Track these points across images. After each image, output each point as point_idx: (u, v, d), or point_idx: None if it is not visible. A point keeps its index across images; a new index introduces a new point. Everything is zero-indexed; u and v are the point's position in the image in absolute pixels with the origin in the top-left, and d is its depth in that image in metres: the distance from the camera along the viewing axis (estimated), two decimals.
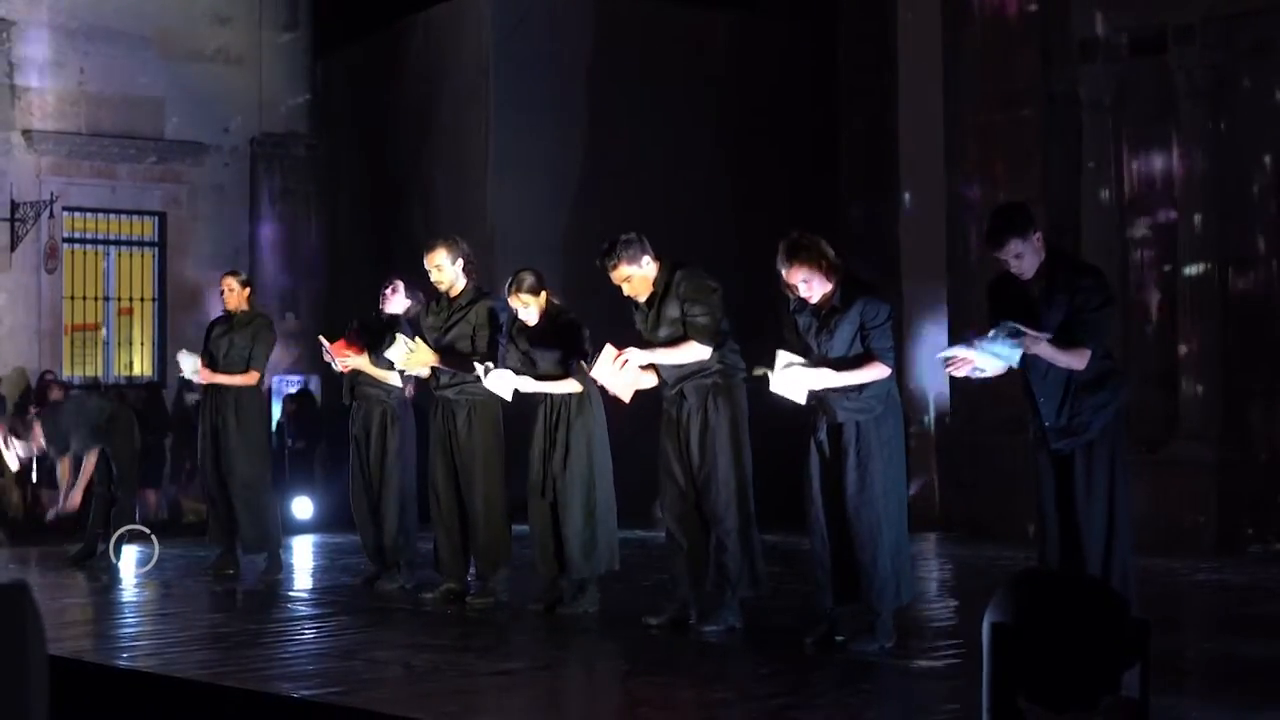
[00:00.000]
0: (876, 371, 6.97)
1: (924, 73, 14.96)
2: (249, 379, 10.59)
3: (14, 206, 16.67)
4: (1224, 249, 12.73)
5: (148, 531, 11.13)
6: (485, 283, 9.55)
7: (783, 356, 7.03)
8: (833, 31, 15.94)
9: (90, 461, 10.88)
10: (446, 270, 9.08)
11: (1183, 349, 12.78)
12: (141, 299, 17.86)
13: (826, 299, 7.04)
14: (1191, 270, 12.75)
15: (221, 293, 10.94)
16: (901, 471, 7.17)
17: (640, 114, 16.79)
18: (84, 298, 17.45)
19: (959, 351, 6.23)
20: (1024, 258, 6.27)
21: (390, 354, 9.09)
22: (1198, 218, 12.74)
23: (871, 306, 7.04)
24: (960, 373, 6.23)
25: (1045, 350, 6.14)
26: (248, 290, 10.94)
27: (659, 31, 17.24)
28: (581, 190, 16.82)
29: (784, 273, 7.04)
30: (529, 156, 16.53)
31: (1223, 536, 12.48)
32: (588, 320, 8.59)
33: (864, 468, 6.96)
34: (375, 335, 9.71)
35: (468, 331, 8.98)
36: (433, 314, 9.22)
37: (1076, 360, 6.19)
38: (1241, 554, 12.16)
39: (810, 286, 7.01)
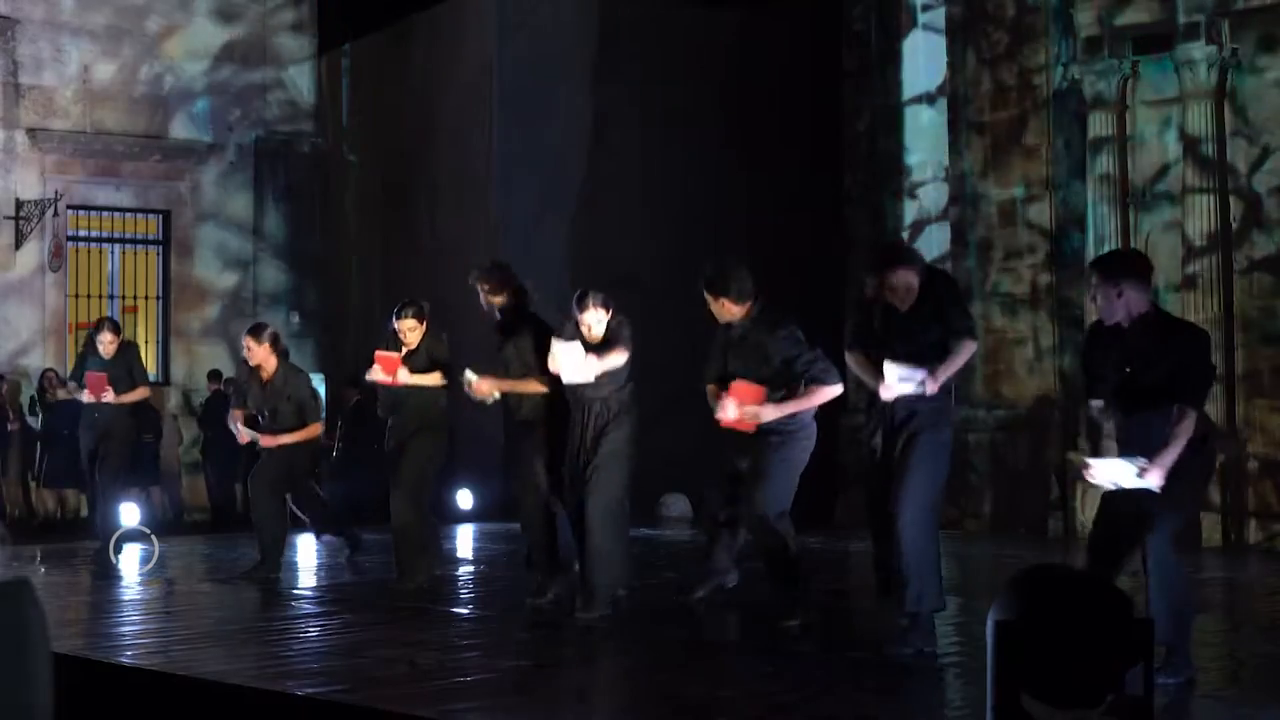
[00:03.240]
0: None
1: (927, 70, 14.98)
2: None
3: (18, 205, 16.69)
4: (1229, 246, 12.73)
5: (148, 531, 11.13)
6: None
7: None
8: (837, 28, 15.93)
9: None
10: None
11: None
12: (146, 297, 17.87)
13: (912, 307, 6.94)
14: (1196, 267, 12.75)
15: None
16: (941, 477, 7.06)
17: (643, 112, 16.79)
18: (88, 296, 17.46)
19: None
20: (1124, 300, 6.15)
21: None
22: (1202, 216, 12.74)
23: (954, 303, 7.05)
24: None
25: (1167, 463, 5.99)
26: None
27: (662, 30, 17.23)
28: (585, 189, 16.82)
29: (891, 276, 6.86)
30: (533, 155, 16.53)
31: (1227, 534, 12.48)
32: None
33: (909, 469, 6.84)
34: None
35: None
36: None
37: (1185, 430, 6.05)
38: (1246, 551, 12.17)
39: (911, 293, 6.88)
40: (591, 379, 8.05)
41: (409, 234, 17.67)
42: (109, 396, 11.25)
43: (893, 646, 6.85)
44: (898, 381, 6.82)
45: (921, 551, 6.78)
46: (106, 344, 11.41)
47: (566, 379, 8.11)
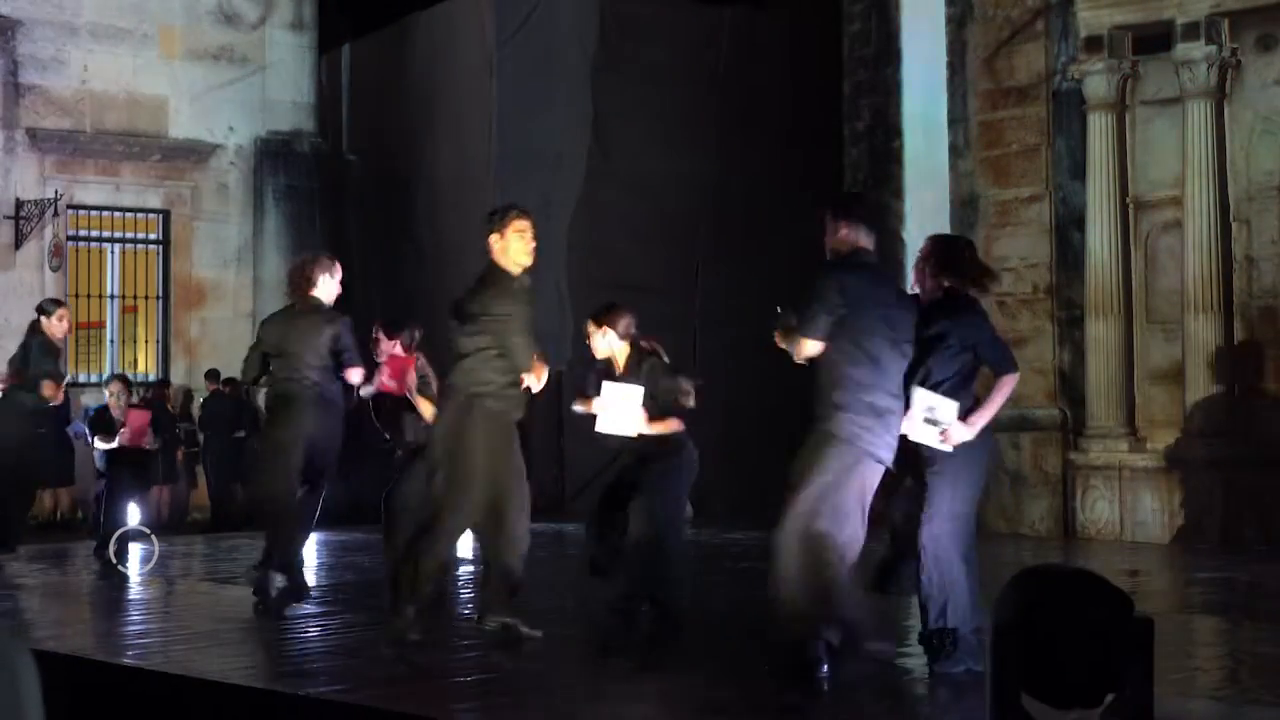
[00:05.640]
0: None
1: (928, 69, 14.97)
2: None
3: (18, 205, 16.68)
4: (1228, 246, 12.74)
5: (148, 531, 11.13)
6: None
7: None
8: (837, 28, 15.93)
9: None
10: None
11: (1188, 346, 12.78)
12: (146, 297, 17.86)
13: None
14: (1196, 267, 12.74)
15: None
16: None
17: (643, 112, 16.78)
18: (88, 296, 17.45)
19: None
20: None
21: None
22: (1202, 215, 12.74)
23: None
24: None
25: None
26: None
27: (662, 27, 17.23)
28: (585, 187, 16.81)
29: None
30: (533, 154, 16.52)
31: (1227, 533, 12.48)
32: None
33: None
34: None
35: None
36: None
37: None
38: (1245, 550, 12.17)
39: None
40: (634, 435, 7.65)
41: (409, 233, 17.67)
42: (148, 441, 11.74)
43: (941, 665, 6.49)
44: (922, 413, 6.49)
45: (946, 565, 6.51)
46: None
47: (605, 428, 7.65)
